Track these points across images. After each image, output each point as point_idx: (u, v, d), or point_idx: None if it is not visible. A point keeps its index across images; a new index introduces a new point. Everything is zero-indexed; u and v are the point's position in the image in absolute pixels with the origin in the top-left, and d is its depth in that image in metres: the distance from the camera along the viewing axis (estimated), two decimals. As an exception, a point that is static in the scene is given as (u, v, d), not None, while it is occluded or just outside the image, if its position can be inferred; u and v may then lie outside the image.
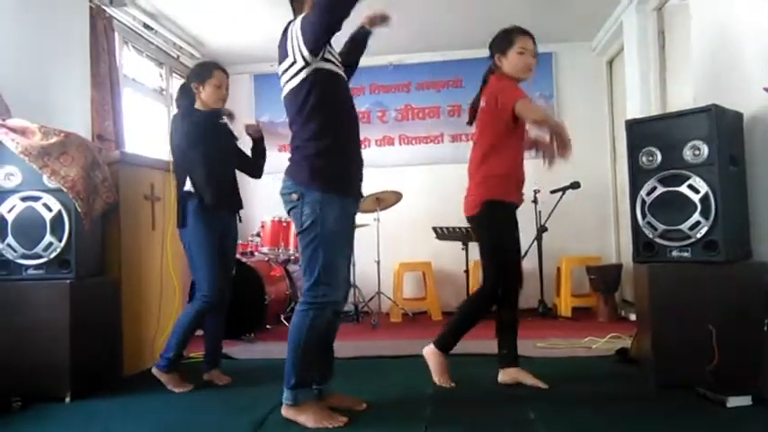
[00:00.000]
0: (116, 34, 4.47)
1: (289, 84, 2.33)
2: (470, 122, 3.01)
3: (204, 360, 3.18)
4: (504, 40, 2.84)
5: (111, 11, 4.32)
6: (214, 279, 2.96)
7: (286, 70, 2.33)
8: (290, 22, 2.37)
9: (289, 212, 2.36)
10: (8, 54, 3.28)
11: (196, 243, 2.97)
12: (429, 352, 2.90)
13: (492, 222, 2.80)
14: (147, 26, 4.76)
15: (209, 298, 2.95)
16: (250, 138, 3.30)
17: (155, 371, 3.01)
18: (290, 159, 2.38)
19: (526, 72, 2.81)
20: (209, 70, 3.08)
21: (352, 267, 5.08)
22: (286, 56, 2.31)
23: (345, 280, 2.40)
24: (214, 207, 2.97)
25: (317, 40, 2.24)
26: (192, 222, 2.96)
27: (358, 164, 2.44)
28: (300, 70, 2.28)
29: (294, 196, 2.31)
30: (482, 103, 2.87)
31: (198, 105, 3.08)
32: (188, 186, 2.97)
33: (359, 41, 2.65)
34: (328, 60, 2.34)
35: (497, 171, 2.78)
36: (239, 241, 3.53)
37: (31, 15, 3.53)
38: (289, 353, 2.31)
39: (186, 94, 3.11)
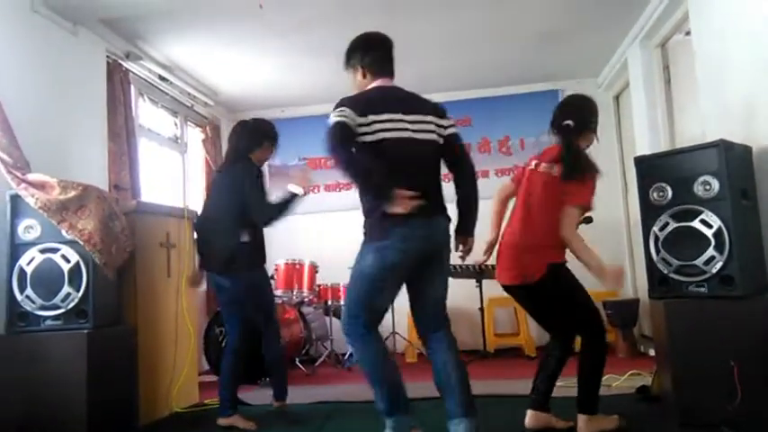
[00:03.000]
0: (132, 87, 4.60)
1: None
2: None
3: (227, 405, 3.16)
4: (592, 115, 2.93)
5: (127, 65, 4.45)
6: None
7: None
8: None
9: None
10: (28, 109, 3.38)
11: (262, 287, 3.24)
12: (584, 421, 2.64)
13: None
14: (162, 78, 4.89)
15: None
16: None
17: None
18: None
19: None
20: (274, 138, 3.30)
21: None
22: None
23: None
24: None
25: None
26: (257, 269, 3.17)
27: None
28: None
29: None
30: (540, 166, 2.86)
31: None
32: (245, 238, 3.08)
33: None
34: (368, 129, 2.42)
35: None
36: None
37: (51, 71, 3.66)
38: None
39: (248, 137, 3.22)
